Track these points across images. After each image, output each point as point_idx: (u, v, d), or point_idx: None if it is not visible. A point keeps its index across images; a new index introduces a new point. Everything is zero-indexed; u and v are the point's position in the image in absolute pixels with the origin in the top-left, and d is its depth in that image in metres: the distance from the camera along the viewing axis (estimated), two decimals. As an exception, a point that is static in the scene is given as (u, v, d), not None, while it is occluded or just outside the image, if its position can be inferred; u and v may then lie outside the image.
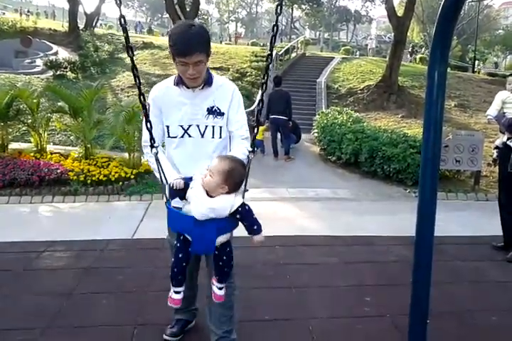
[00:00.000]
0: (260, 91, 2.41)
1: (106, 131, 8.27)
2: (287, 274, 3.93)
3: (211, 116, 2.45)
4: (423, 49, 33.38)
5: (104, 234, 4.96)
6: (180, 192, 2.22)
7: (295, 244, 4.70)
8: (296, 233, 5.08)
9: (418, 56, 28.75)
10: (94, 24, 24.88)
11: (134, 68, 2.16)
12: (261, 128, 2.27)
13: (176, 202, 2.28)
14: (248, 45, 33.25)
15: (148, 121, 2.28)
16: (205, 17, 56.13)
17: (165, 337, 2.82)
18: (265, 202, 6.24)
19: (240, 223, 2.23)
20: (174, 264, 2.34)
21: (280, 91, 9.60)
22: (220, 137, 2.49)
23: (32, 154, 7.79)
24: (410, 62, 26.96)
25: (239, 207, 2.16)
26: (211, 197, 2.16)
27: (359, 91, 15.37)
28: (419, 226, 2.13)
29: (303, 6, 47.63)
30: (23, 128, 9.43)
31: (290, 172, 8.53)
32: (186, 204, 2.20)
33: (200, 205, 2.13)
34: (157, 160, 2.30)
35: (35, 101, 8.29)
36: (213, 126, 2.46)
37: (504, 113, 4.57)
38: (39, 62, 17.30)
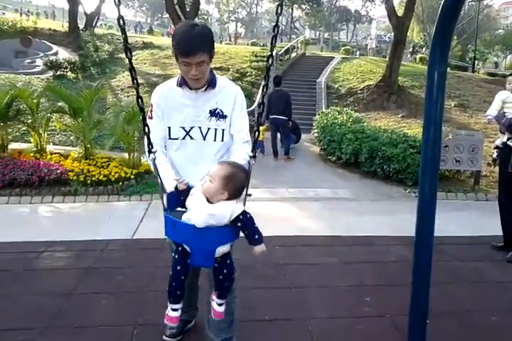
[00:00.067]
0: (260, 93, 2.38)
1: (106, 131, 8.27)
2: (287, 274, 3.93)
3: (214, 118, 2.40)
4: (423, 49, 33.38)
5: (104, 234, 4.96)
6: (180, 201, 2.17)
7: (295, 244, 4.70)
8: (296, 233, 5.08)
9: (418, 56, 28.75)
10: (94, 24, 24.90)
11: (132, 70, 2.13)
12: (261, 128, 2.26)
13: (175, 200, 2.21)
14: (248, 45, 33.25)
15: (145, 125, 2.22)
16: (205, 17, 56.21)
17: (164, 337, 2.82)
18: (265, 202, 6.24)
19: (241, 234, 2.15)
20: (172, 278, 2.25)
21: (280, 92, 9.59)
22: (222, 140, 2.44)
23: (32, 154, 7.79)
24: (411, 62, 26.96)
25: (240, 214, 2.09)
26: (211, 203, 2.10)
27: (359, 91, 15.37)
28: (419, 227, 2.13)
29: (303, 6, 47.65)
30: (23, 129, 9.43)
31: (290, 173, 8.53)
32: (185, 213, 2.14)
33: (199, 211, 2.08)
34: (155, 166, 2.26)
35: (35, 101, 8.29)
36: (215, 129, 2.41)
37: (504, 113, 4.57)
38: (39, 62, 17.31)
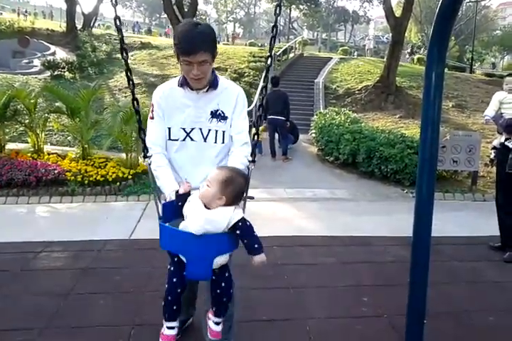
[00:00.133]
0: (258, 94, 2.36)
1: (103, 131, 8.27)
2: (285, 274, 3.93)
3: (215, 119, 2.36)
4: (422, 49, 33.44)
5: (102, 235, 4.95)
6: (176, 211, 2.11)
7: (293, 245, 4.70)
8: (293, 233, 5.08)
9: (416, 56, 28.80)
10: (92, 24, 24.88)
11: (128, 71, 2.10)
12: (260, 128, 2.24)
13: (171, 212, 2.14)
14: (246, 45, 33.25)
15: (141, 128, 2.20)
16: (203, 17, 56.15)
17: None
18: (263, 203, 6.24)
19: (239, 244, 2.10)
20: (168, 291, 2.15)
21: (278, 92, 9.60)
22: (223, 142, 2.40)
23: (29, 154, 7.77)
24: (409, 62, 26.99)
25: (239, 221, 2.02)
26: (209, 209, 2.04)
27: (357, 92, 15.38)
28: (416, 227, 2.13)
29: (301, 7, 47.65)
30: (21, 129, 9.40)
31: (288, 173, 8.53)
32: (183, 221, 2.07)
33: (196, 217, 2.01)
34: (150, 171, 2.23)
35: (32, 101, 8.28)
36: (216, 131, 2.37)
37: (502, 113, 4.58)
38: (37, 62, 17.30)
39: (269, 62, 2.25)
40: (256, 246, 2.05)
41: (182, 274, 2.09)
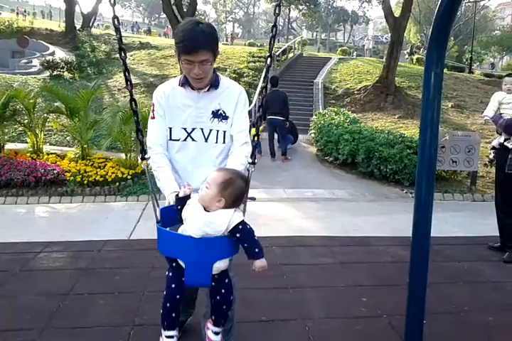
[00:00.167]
0: (257, 94, 2.34)
1: (102, 131, 8.26)
2: (284, 275, 3.93)
3: (216, 119, 2.33)
4: (421, 50, 33.45)
5: (101, 235, 4.95)
6: (175, 215, 2.06)
7: (292, 245, 4.70)
8: (293, 233, 5.08)
9: (415, 56, 28.81)
10: (91, 24, 24.89)
11: (125, 71, 2.08)
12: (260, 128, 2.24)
13: (168, 218, 2.08)
14: (245, 45, 33.26)
15: (139, 129, 2.17)
16: (203, 17, 56.07)
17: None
18: (262, 203, 6.24)
19: (239, 249, 2.05)
20: (166, 298, 2.07)
21: (277, 92, 9.59)
22: (224, 142, 2.37)
23: (28, 155, 7.77)
24: (408, 63, 27.00)
25: (239, 224, 1.96)
26: (208, 212, 1.99)
27: (356, 92, 15.39)
28: (415, 227, 2.13)
29: (300, 7, 47.58)
30: (20, 129, 9.42)
31: (287, 173, 8.53)
32: (181, 225, 2.02)
33: (195, 219, 1.96)
34: (147, 173, 2.20)
35: (31, 101, 8.28)
36: (217, 131, 2.35)
37: (501, 114, 4.58)
38: (36, 62, 17.32)
39: (268, 61, 2.22)
40: (256, 250, 1.99)
41: (181, 280, 2.03)
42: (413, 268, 2.16)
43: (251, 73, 16.47)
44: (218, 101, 2.34)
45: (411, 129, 11.13)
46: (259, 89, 10.83)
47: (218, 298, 2.09)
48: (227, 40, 49.95)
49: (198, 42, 2.10)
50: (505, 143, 4.41)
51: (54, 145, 9.45)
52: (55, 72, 15.39)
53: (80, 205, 6.42)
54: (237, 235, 1.96)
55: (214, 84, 2.32)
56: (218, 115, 2.34)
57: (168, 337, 2.12)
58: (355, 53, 36.20)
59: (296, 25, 64.84)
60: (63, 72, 15.55)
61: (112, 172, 7.03)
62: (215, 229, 1.95)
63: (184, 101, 2.34)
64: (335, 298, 3.54)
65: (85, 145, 7.78)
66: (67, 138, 9.71)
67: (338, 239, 4.94)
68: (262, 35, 65.43)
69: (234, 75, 15.98)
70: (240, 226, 1.96)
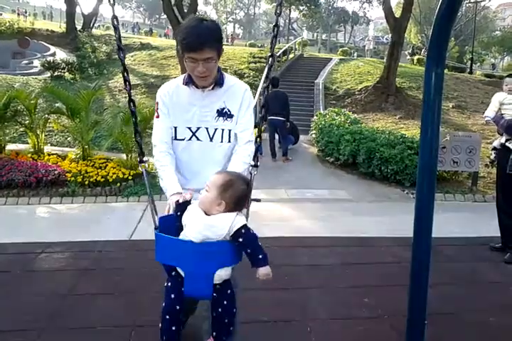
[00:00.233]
0: (257, 95, 2.32)
1: (103, 132, 8.27)
2: (285, 275, 3.92)
3: (221, 118, 2.30)
4: (422, 51, 33.46)
5: (102, 236, 4.95)
6: (174, 223, 1.99)
7: (293, 245, 4.70)
8: (294, 234, 5.08)
9: (416, 57, 28.82)
10: (91, 25, 24.91)
11: (124, 71, 2.05)
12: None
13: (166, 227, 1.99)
14: (246, 46, 33.28)
15: (137, 131, 2.13)
16: (203, 18, 56.00)
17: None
18: (263, 203, 6.22)
19: (242, 257, 1.95)
20: (165, 310, 1.98)
21: (278, 93, 9.59)
22: (229, 141, 2.34)
23: (29, 155, 7.78)
24: (409, 63, 27.01)
25: (241, 228, 1.87)
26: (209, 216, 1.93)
27: (357, 93, 15.39)
28: (416, 227, 2.13)
29: (300, 7, 47.62)
30: (21, 129, 9.42)
31: (288, 174, 8.52)
32: (181, 232, 1.95)
33: (195, 223, 1.89)
34: (145, 176, 2.16)
35: (32, 102, 8.29)
36: (222, 130, 2.31)
37: (502, 114, 4.58)
38: (36, 63, 17.33)
39: (270, 61, 2.19)
40: (260, 256, 1.91)
41: (180, 290, 1.93)
42: (414, 269, 2.16)
43: (251, 74, 16.48)
44: (223, 100, 2.31)
45: (412, 130, 11.12)
46: (259, 89, 10.82)
47: (220, 310, 1.98)
48: (227, 41, 50.02)
49: (202, 39, 2.05)
50: (507, 144, 4.41)
51: (55, 145, 9.46)
52: (55, 73, 15.42)
53: (81, 206, 6.42)
54: (240, 240, 1.88)
55: (219, 82, 2.28)
56: (223, 114, 2.30)
57: None
58: (355, 54, 36.21)
59: (296, 26, 64.84)
60: (64, 72, 15.57)
61: (113, 173, 7.03)
62: (216, 233, 1.87)
63: (189, 100, 2.30)
64: (337, 299, 3.54)
65: (86, 146, 7.78)
66: (68, 138, 9.72)
67: (340, 239, 4.94)
68: (262, 36, 65.44)
69: (234, 76, 15.95)
70: (243, 231, 1.88)
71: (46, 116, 8.63)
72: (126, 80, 2.08)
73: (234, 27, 73.19)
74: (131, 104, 2.11)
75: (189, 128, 2.31)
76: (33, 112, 8.21)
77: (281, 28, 49.13)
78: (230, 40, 47.14)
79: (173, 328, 1.99)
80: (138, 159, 2.18)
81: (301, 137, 10.81)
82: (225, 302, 1.98)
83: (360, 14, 57.48)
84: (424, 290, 2.15)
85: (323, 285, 3.78)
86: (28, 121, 8.37)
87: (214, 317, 2.02)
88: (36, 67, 16.86)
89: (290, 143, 10.03)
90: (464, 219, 5.92)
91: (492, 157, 4.86)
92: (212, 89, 2.29)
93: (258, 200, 2.17)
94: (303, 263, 4.23)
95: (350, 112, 11.64)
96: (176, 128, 2.33)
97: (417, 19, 35.10)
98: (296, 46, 23.95)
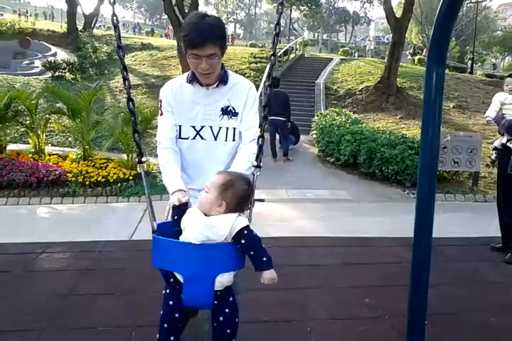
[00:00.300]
0: (259, 93, 2.30)
1: (104, 132, 8.27)
2: (286, 275, 3.92)
3: (226, 116, 2.26)
4: (424, 51, 33.46)
5: (103, 236, 4.96)
6: (172, 228, 1.93)
7: (294, 245, 4.70)
8: (294, 234, 5.08)
9: (417, 57, 28.81)
10: (92, 25, 24.91)
11: (123, 70, 2.03)
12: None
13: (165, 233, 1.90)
14: (247, 46, 33.28)
15: (136, 131, 2.10)
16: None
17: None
18: (264, 204, 6.23)
19: (245, 261, 1.87)
20: (163, 318, 1.88)
21: (278, 93, 9.58)
22: (234, 140, 2.30)
23: (30, 155, 7.78)
24: (410, 63, 27.01)
25: (244, 228, 1.78)
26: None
27: (358, 93, 15.38)
28: (417, 228, 2.13)
29: (301, 7, 47.63)
30: (22, 130, 9.42)
31: (289, 174, 8.52)
32: (180, 236, 1.88)
33: (195, 224, 1.81)
34: (144, 177, 2.12)
35: (33, 102, 8.30)
36: (227, 128, 2.28)
37: (503, 114, 4.57)
38: (37, 63, 17.35)
39: (272, 60, 2.16)
40: (264, 259, 1.81)
41: (179, 296, 1.83)
42: (415, 269, 2.16)
43: (252, 74, 16.46)
44: (228, 98, 2.27)
45: (413, 130, 11.12)
46: (260, 89, 10.81)
47: (221, 319, 1.88)
48: (228, 41, 50.01)
49: (204, 35, 2.02)
50: (508, 144, 4.41)
51: (56, 146, 9.46)
52: (56, 73, 15.42)
53: (81, 206, 6.43)
54: (242, 241, 1.79)
55: (223, 79, 2.25)
56: (228, 112, 2.27)
57: None
58: (356, 54, 36.19)
59: (297, 26, 64.84)
60: (65, 73, 15.58)
61: (114, 173, 7.04)
62: (217, 234, 1.79)
63: (192, 98, 2.27)
64: (337, 299, 3.53)
65: (87, 146, 7.79)
66: (69, 139, 9.72)
67: (340, 239, 4.94)
68: (263, 36, 65.47)
69: (235, 76, 15.99)
70: (245, 232, 1.80)
71: (47, 116, 8.63)
72: (125, 79, 2.05)
73: (235, 27, 73.17)
74: (130, 103, 2.08)
75: (193, 127, 2.28)
76: (34, 112, 8.21)
77: (282, 28, 49.17)
78: (230, 40, 47.18)
79: (172, 338, 1.89)
80: (136, 159, 2.15)
81: (302, 137, 10.79)
82: (227, 311, 1.88)
83: (361, 14, 57.51)
84: (424, 290, 2.14)
85: (324, 285, 3.78)
86: (29, 122, 8.38)
87: (215, 328, 1.91)
88: (37, 67, 16.88)
89: (291, 144, 10.02)
90: (464, 220, 5.91)
91: (493, 157, 4.86)
92: (217, 86, 2.25)
93: (262, 200, 2.12)
94: (303, 263, 4.23)
95: (350, 112, 11.63)
96: (180, 126, 2.30)
97: (418, 19, 35.09)
98: (297, 46, 23.92)
